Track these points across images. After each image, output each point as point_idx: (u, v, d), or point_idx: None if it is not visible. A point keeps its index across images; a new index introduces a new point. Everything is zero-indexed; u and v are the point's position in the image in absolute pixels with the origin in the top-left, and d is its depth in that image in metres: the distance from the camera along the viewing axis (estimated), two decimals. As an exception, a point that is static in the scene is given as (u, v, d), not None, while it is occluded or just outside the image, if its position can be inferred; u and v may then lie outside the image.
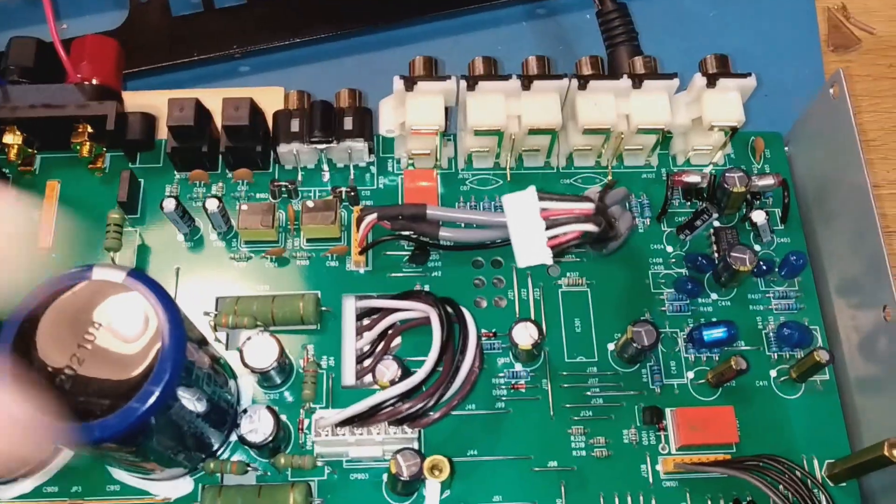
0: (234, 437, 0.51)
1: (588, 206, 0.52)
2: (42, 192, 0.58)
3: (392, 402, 0.49)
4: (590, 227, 0.52)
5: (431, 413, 0.50)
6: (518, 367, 0.55)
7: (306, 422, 0.52)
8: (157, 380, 0.40)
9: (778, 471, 0.49)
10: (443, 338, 0.51)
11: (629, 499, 0.52)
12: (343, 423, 0.49)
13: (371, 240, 0.57)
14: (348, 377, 0.53)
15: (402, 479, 0.47)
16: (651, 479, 0.52)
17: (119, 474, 0.50)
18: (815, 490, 0.49)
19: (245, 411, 0.49)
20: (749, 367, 0.51)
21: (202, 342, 0.47)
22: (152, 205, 0.58)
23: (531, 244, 0.51)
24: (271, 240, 0.57)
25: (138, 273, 0.43)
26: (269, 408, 0.49)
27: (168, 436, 0.45)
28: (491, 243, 0.57)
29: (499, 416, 0.53)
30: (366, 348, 0.54)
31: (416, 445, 0.50)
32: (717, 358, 0.55)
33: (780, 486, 0.49)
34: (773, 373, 0.55)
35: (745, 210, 0.59)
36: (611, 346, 0.55)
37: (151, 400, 0.40)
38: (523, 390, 0.54)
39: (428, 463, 0.47)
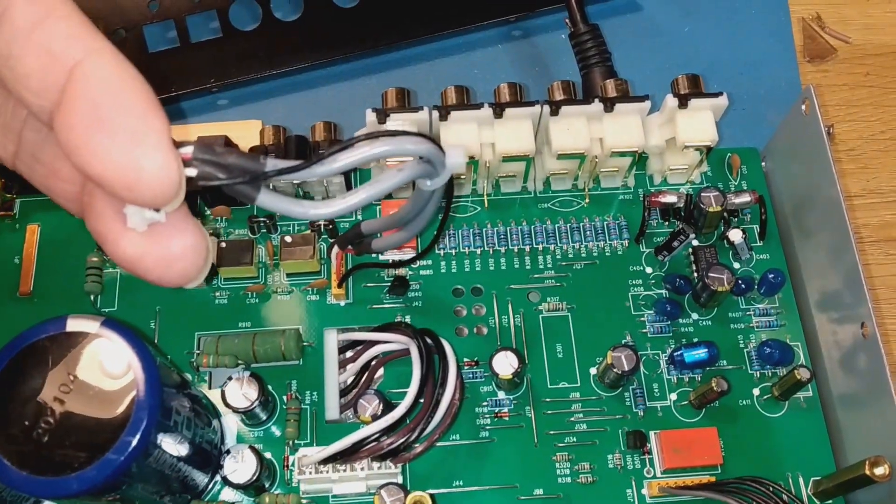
0: (219, 477, 0.51)
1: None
2: (22, 238, 0.58)
3: (374, 437, 0.49)
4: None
5: (414, 446, 0.50)
6: (501, 394, 0.55)
7: (291, 458, 0.52)
8: (133, 429, 0.41)
9: (763, 493, 0.49)
10: (423, 370, 0.51)
11: (616, 527, 0.52)
12: (326, 461, 0.49)
13: (346, 269, 0.57)
14: (332, 412, 0.53)
15: (386, 515, 0.47)
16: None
17: (104, 520, 0.50)
18: (800, 510, 0.49)
19: (228, 452, 0.49)
20: (730, 388, 0.51)
21: (182, 386, 0.47)
22: (132, 245, 0.58)
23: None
24: (251, 276, 0.57)
25: (113, 322, 0.43)
26: (251, 447, 0.49)
27: (150, 481, 0.45)
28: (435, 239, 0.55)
29: (483, 446, 0.53)
30: (349, 381, 0.54)
31: (400, 479, 0.50)
32: (699, 378, 0.55)
33: (764, 509, 0.49)
34: (755, 391, 0.55)
35: (723, 228, 0.59)
36: (593, 371, 0.55)
37: (129, 450, 0.40)
38: (506, 418, 0.54)
39: (410, 500, 0.47)
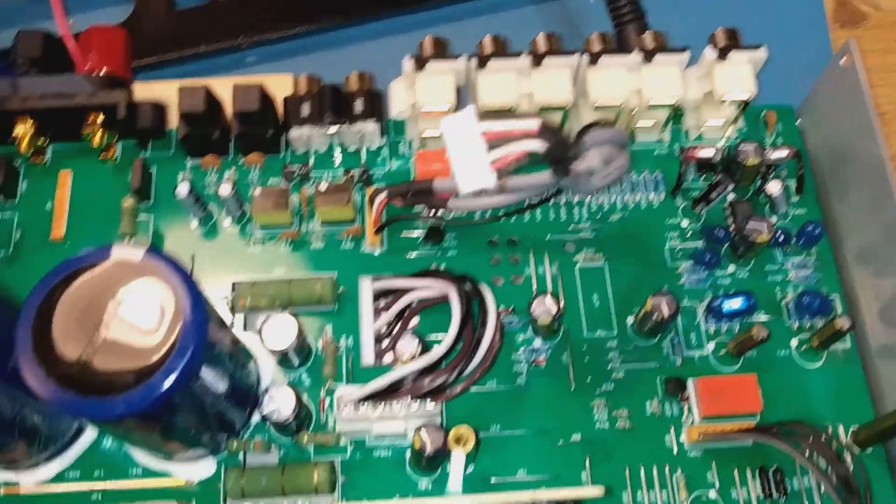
0: (255, 419, 0.51)
1: (532, 125, 0.48)
2: (54, 183, 0.58)
3: (413, 377, 0.49)
4: (536, 145, 0.48)
5: (454, 386, 0.49)
6: (538, 342, 0.54)
7: (327, 401, 0.52)
8: (180, 354, 0.40)
9: (804, 436, 0.49)
10: (462, 311, 0.50)
11: (654, 470, 0.51)
12: (365, 399, 0.49)
13: (385, 219, 0.56)
14: (367, 357, 0.52)
15: (426, 453, 0.47)
16: (676, 450, 0.52)
17: (141, 458, 0.50)
18: (843, 454, 0.49)
19: (267, 391, 0.49)
20: (770, 336, 0.51)
21: (222, 323, 0.47)
22: (165, 193, 0.58)
23: (473, 168, 0.48)
24: (285, 223, 0.57)
25: (157, 251, 0.43)
26: (290, 386, 0.49)
27: (191, 414, 0.45)
28: (504, 214, 0.56)
29: (520, 392, 0.53)
30: (384, 329, 0.54)
31: (438, 422, 0.50)
32: (737, 329, 0.55)
33: (808, 451, 0.48)
34: (793, 342, 0.55)
35: (758, 183, 0.59)
36: (630, 320, 0.55)
37: (175, 375, 0.40)
38: (543, 365, 0.54)
39: (452, 434, 0.47)
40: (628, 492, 0.51)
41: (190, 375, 0.41)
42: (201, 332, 0.41)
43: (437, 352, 0.49)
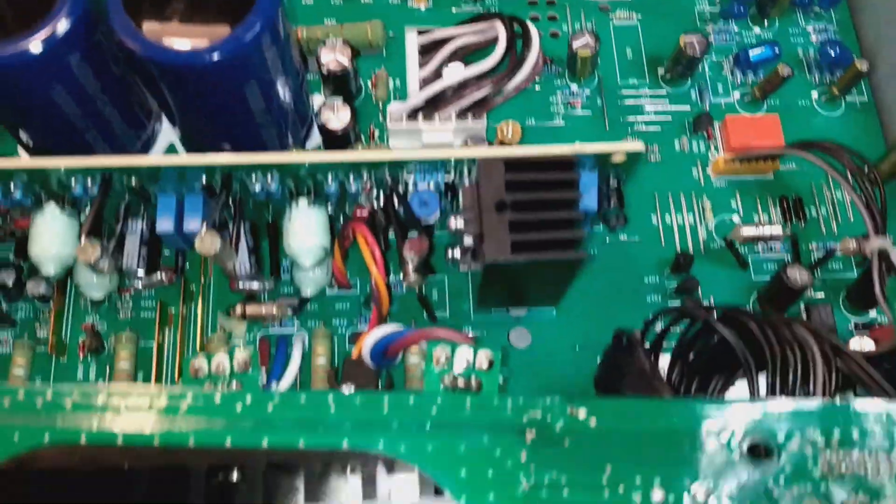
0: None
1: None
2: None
3: (458, 88, 0.52)
4: None
5: (496, 98, 0.53)
6: (574, 87, 0.58)
7: (376, 132, 0.55)
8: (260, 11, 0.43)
9: (835, 151, 0.51)
10: (508, 34, 0.54)
11: (682, 197, 0.55)
12: (415, 111, 0.52)
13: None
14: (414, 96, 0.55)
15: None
16: (702, 181, 0.55)
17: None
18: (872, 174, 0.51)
19: (324, 103, 0.52)
20: (794, 73, 0.54)
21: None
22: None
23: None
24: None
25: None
26: (345, 101, 0.52)
27: (261, 99, 0.47)
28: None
29: (556, 132, 0.56)
30: (430, 75, 0.57)
31: (484, 134, 0.53)
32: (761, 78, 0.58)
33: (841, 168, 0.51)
34: (814, 94, 0.58)
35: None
36: (660, 71, 0.58)
37: (258, 24, 0.43)
38: (578, 107, 0.57)
39: (501, 125, 0.50)
40: (657, 214, 0.54)
41: (271, 27, 0.43)
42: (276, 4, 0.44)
43: (484, 64, 0.52)
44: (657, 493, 0.33)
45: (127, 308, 0.52)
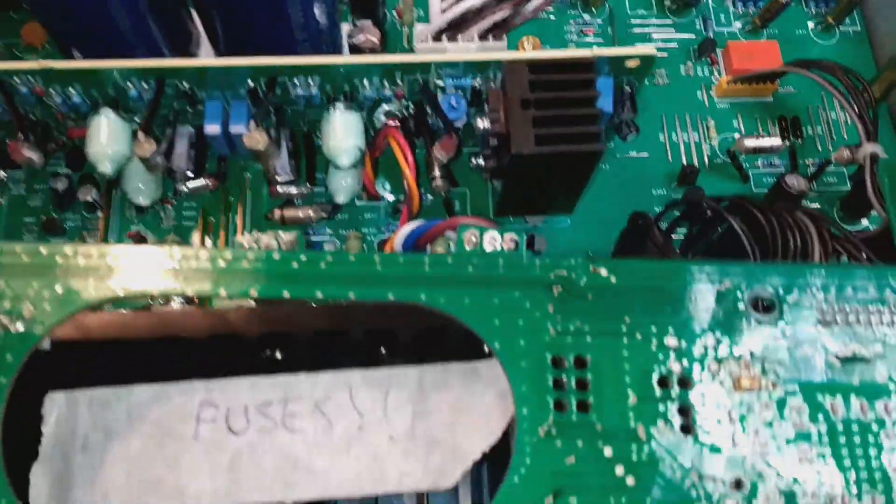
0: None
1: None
2: None
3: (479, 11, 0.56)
4: None
5: (514, 20, 0.56)
6: (586, 16, 0.62)
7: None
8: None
9: (832, 69, 0.54)
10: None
11: (687, 117, 0.59)
12: (440, 32, 0.56)
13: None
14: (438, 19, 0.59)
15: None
16: (707, 103, 0.59)
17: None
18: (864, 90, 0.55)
19: (355, 26, 0.56)
20: (791, 2, 0.58)
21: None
22: None
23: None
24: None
25: None
26: (373, 22, 0.56)
27: (300, 9, 0.50)
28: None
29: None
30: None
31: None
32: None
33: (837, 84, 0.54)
34: (810, 24, 0.62)
35: None
36: (667, 2, 0.62)
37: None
38: (591, 36, 0.61)
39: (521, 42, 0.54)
40: (664, 133, 0.58)
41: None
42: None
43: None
44: (671, 340, 0.37)
45: (169, 217, 0.55)
